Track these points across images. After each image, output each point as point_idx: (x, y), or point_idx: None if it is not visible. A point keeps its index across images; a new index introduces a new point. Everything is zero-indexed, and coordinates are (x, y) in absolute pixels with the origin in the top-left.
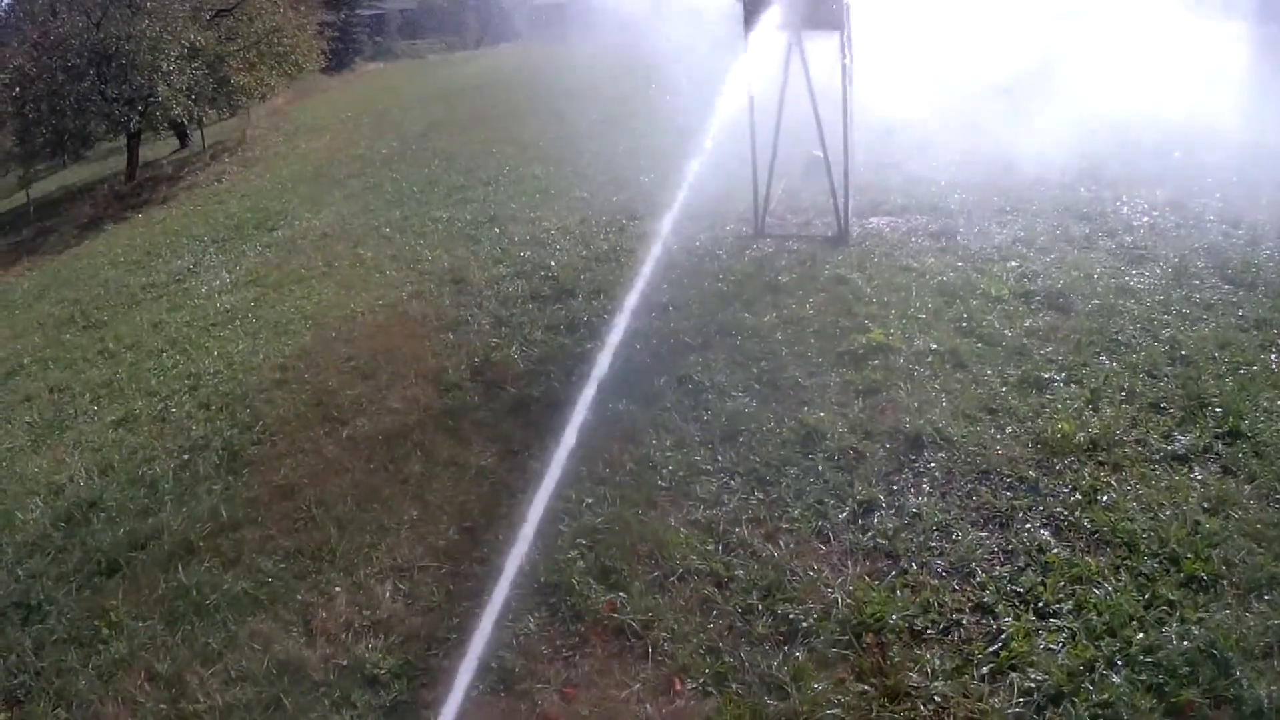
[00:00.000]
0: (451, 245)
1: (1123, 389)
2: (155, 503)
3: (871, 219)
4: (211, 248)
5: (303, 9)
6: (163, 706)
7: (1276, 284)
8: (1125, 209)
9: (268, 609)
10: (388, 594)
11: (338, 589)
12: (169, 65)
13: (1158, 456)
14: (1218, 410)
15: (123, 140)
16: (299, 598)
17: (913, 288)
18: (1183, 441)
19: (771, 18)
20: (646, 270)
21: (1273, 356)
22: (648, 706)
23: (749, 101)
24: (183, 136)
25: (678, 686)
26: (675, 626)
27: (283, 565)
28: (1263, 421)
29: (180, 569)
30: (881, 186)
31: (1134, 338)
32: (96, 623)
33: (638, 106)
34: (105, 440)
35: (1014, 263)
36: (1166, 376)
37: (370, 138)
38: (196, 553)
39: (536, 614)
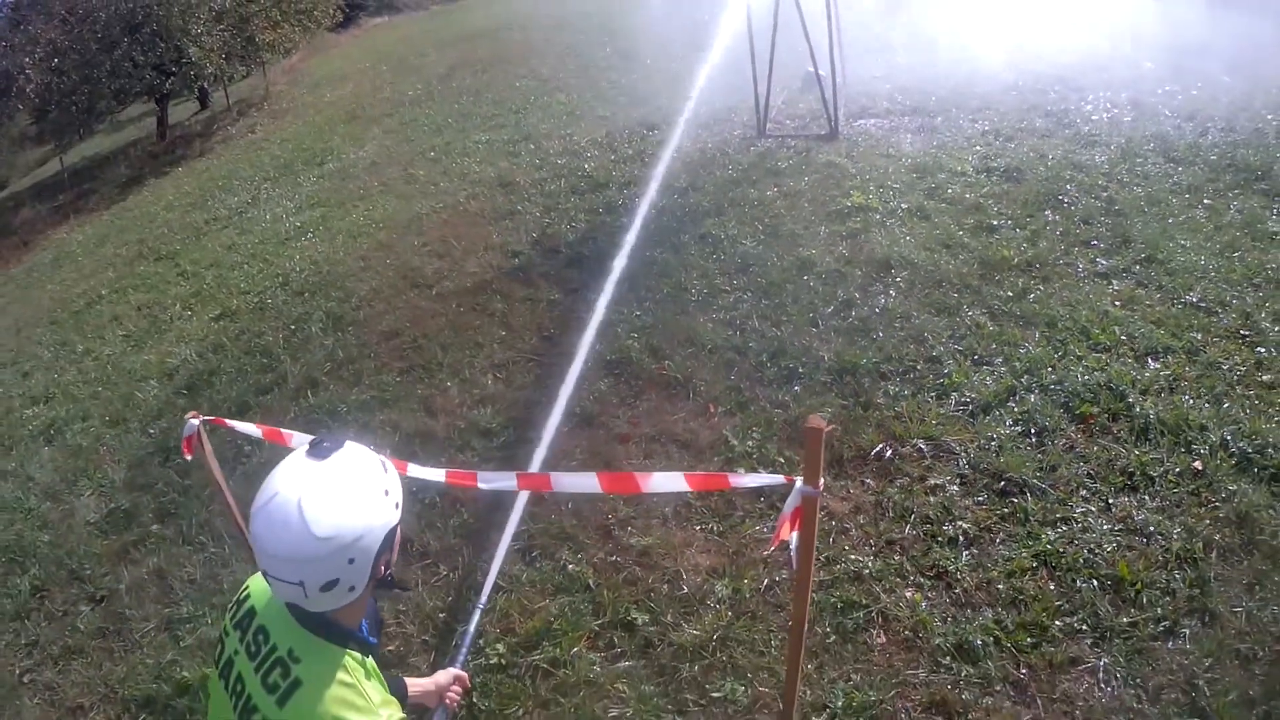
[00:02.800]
0: (495, 160)
1: (1060, 231)
2: (273, 360)
3: (860, 120)
4: (265, 184)
5: None
6: None
7: (1214, 162)
8: (1088, 106)
9: (392, 406)
10: (489, 381)
11: (449, 384)
12: (199, 28)
13: (1083, 274)
14: (1141, 245)
15: (137, 110)
16: (418, 393)
17: (890, 167)
18: (1105, 264)
19: None
20: (666, 166)
21: (1198, 211)
22: (692, 424)
23: (747, 21)
24: (204, 98)
25: (711, 410)
26: (708, 377)
27: (399, 379)
28: (1179, 254)
29: (309, 396)
30: (871, 94)
31: (1076, 198)
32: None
33: (650, 39)
34: (209, 331)
35: (980, 148)
36: (1100, 223)
37: (394, 82)
38: (320, 384)
39: (605, 380)
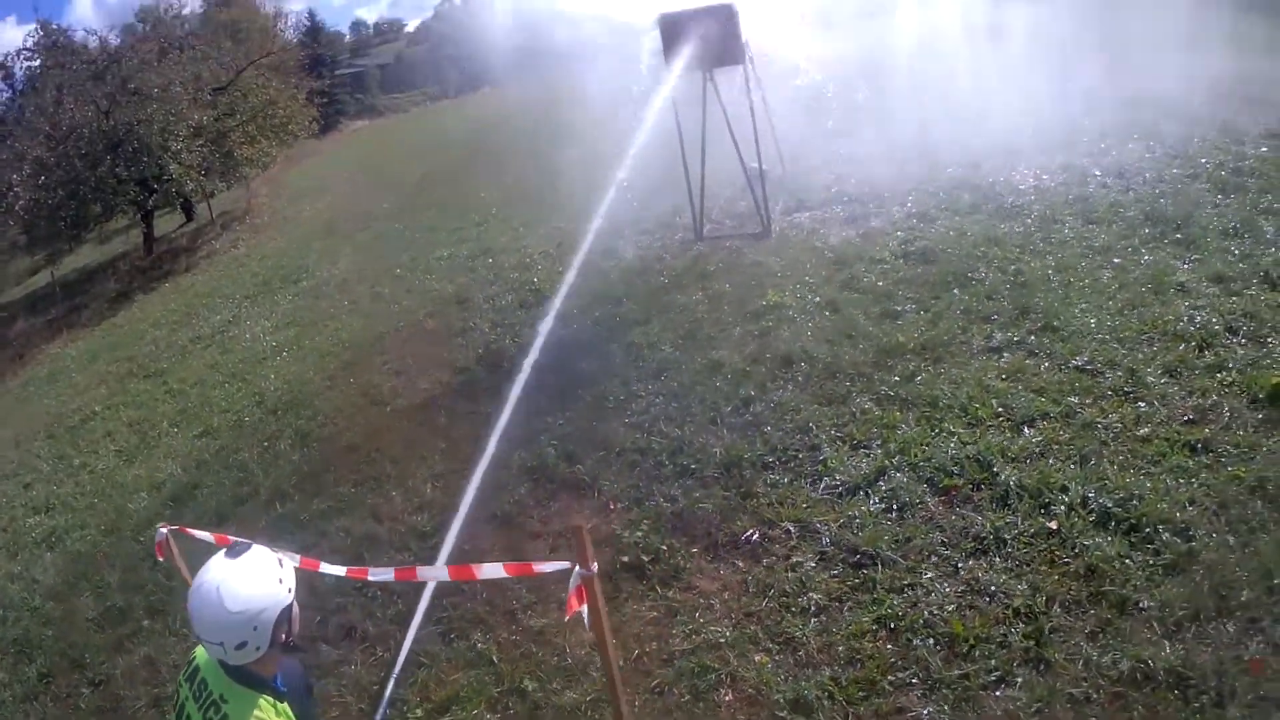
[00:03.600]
0: (454, 276)
1: (962, 309)
2: (248, 475)
3: (796, 214)
4: (245, 302)
5: (291, 80)
6: None
7: (1132, 219)
8: (1018, 176)
9: (347, 514)
10: (429, 490)
11: (394, 493)
12: (178, 145)
13: (977, 350)
14: (1038, 315)
15: (123, 222)
16: (368, 502)
17: (813, 261)
18: (1000, 338)
19: (685, 58)
20: (605, 276)
21: (1105, 272)
22: (594, 520)
23: (677, 127)
24: (189, 211)
25: (612, 507)
26: (613, 477)
27: (353, 490)
28: (1075, 319)
29: (278, 506)
30: (809, 186)
31: (985, 274)
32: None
33: (606, 141)
34: (193, 448)
35: (901, 232)
36: (1003, 297)
37: (369, 195)
38: (288, 496)
39: (525, 484)
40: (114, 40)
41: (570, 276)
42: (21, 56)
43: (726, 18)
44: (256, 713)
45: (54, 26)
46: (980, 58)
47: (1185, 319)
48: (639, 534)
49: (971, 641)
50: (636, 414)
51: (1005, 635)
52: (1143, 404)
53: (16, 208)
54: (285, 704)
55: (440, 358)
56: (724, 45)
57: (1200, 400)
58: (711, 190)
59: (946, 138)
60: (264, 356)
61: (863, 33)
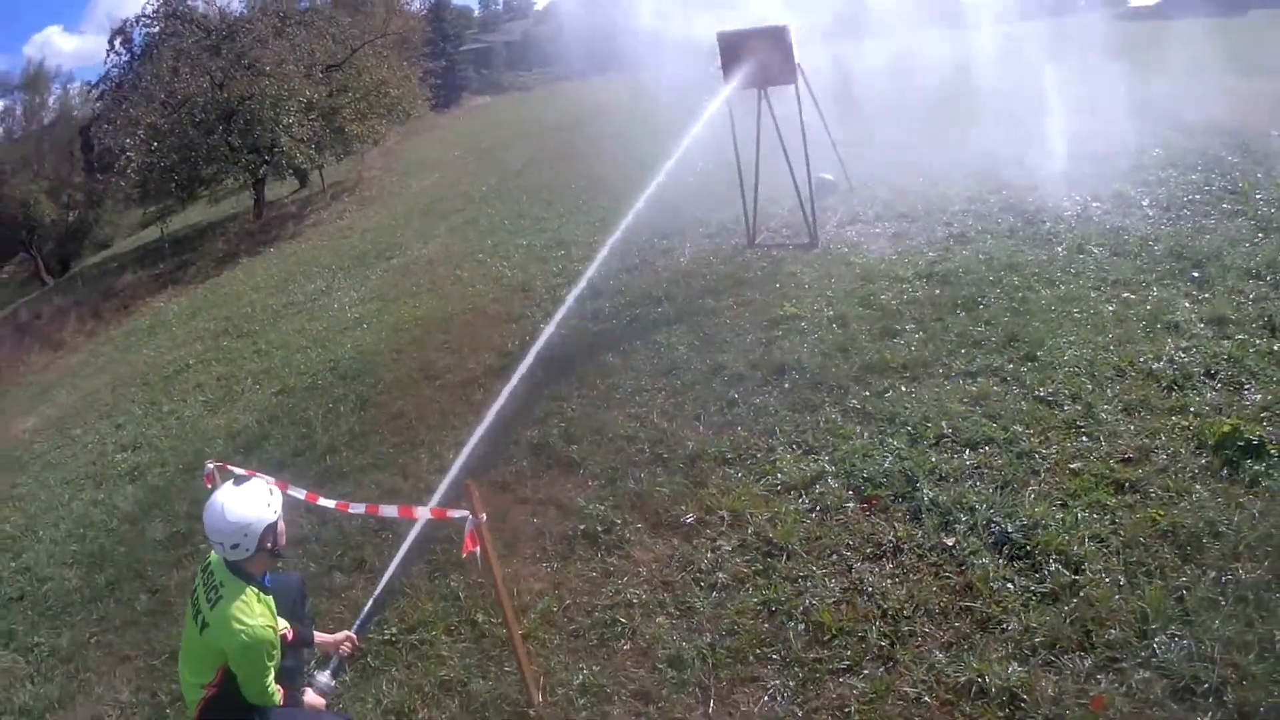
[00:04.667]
0: (526, 265)
1: (958, 333)
2: (310, 431)
3: (849, 226)
4: (340, 273)
5: (405, 62)
6: None
7: (1159, 253)
8: (1067, 202)
9: (381, 469)
10: (449, 455)
11: (422, 456)
12: (289, 119)
13: (955, 373)
14: (1025, 344)
15: (235, 185)
16: (399, 461)
17: (843, 275)
18: (980, 363)
19: (740, 77)
20: (657, 276)
21: (1110, 306)
22: (573, 494)
23: (733, 136)
24: (303, 178)
25: (589, 484)
26: (600, 460)
27: (391, 450)
28: (1059, 350)
29: (328, 460)
30: (871, 200)
31: (993, 300)
32: None
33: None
34: (269, 403)
35: (933, 253)
36: (1001, 324)
37: (474, 175)
38: (337, 452)
39: (527, 458)
40: (237, 7)
41: (625, 275)
42: (141, 24)
43: (779, 38)
44: (243, 596)
45: None
46: (1061, 79)
47: (1166, 359)
48: (601, 508)
49: (834, 632)
50: (638, 405)
51: (866, 631)
52: (1087, 439)
53: (129, 170)
54: (269, 598)
55: (493, 341)
56: (777, 65)
57: (1147, 441)
58: (779, 199)
59: (1013, 157)
60: (346, 327)
61: (945, 47)
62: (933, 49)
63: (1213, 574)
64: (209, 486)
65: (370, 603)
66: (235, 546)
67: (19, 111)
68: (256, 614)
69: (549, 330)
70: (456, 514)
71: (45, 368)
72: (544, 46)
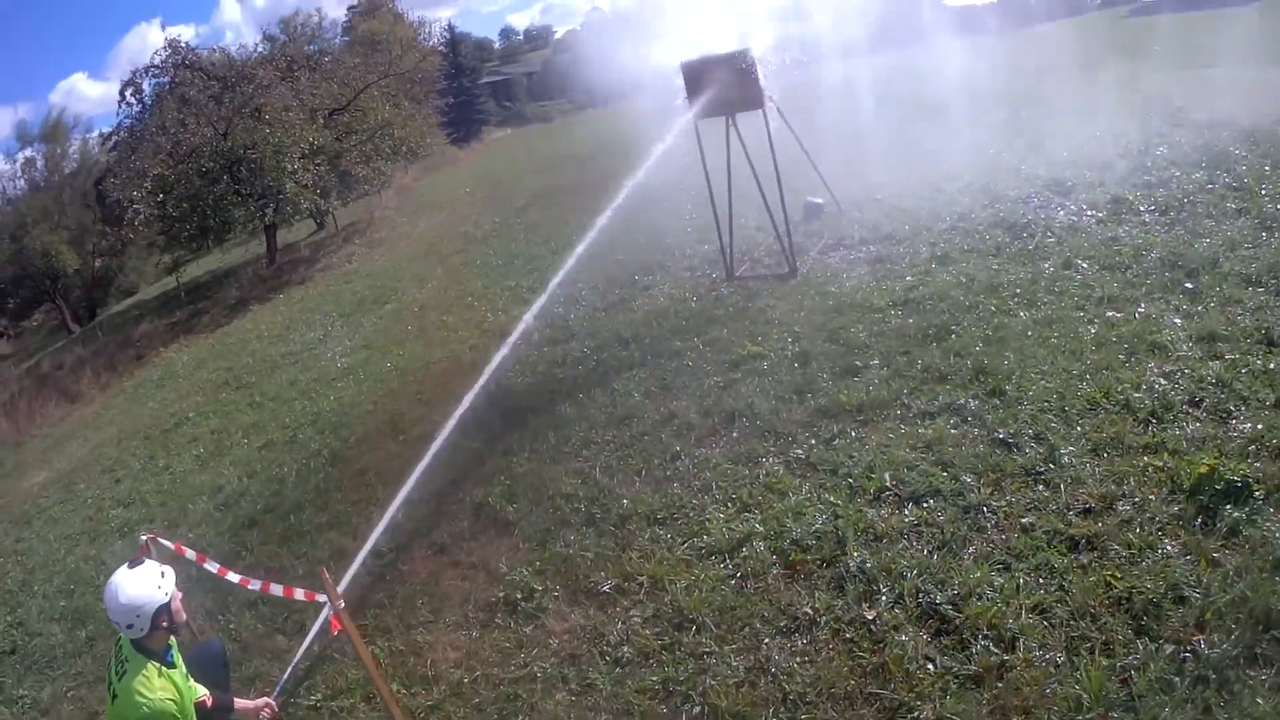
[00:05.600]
0: (509, 308)
1: (922, 368)
2: (281, 487)
3: (832, 253)
4: (338, 321)
5: (412, 101)
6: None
7: (1152, 264)
8: (1061, 213)
9: (335, 528)
10: (401, 516)
11: (374, 515)
12: (293, 165)
13: (912, 414)
14: (991, 378)
15: (251, 230)
16: (353, 520)
17: (814, 308)
18: (941, 402)
19: (706, 103)
20: (631, 316)
21: (1091, 328)
22: (503, 556)
23: (704, 171)
24: (320, 220)
25: (520, 546)
26: (536, 520)
27: (349, 508)
28: (1027, 383)
29: (292, 518)
30: (859, 221)
31: (966, 327)
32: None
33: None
34: (253, 458)
35: (911, 277)
36: (970, 355)
37: (479, 213)
38: (302, 508)
39: (469, 519)
40: (248, 50)
41: (602, 315)
42: (150, 74)
43: (742, 64)
44: (144, 671)
45: (182, 45)
46: (1061, 80)
47: (1146, 386)
48: (525, 573)
49: (729, 717)
50: (583, 460)
51: (762, 717)
52: (1044, 487)
53: (136, 222)
54: (171, 672)
55: (462, 391)
56: (742, 91)
57: (1113, 487)
58: (768, 226)
59: (1010, 166)
60: (333, 378)
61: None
62: (934, 59)
63: (1170, 649)
64: (144, 557)
65: (289, 671)
66: (130, 626)
67: (40, 163)
68: (156, 688)
69: (480, 383)
70: (315, 596)
71: (61, 420)
72: (564, 76)
